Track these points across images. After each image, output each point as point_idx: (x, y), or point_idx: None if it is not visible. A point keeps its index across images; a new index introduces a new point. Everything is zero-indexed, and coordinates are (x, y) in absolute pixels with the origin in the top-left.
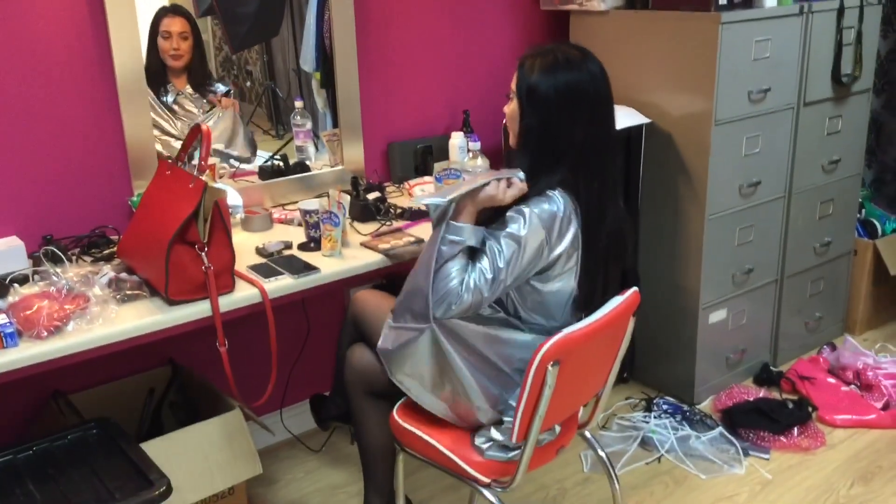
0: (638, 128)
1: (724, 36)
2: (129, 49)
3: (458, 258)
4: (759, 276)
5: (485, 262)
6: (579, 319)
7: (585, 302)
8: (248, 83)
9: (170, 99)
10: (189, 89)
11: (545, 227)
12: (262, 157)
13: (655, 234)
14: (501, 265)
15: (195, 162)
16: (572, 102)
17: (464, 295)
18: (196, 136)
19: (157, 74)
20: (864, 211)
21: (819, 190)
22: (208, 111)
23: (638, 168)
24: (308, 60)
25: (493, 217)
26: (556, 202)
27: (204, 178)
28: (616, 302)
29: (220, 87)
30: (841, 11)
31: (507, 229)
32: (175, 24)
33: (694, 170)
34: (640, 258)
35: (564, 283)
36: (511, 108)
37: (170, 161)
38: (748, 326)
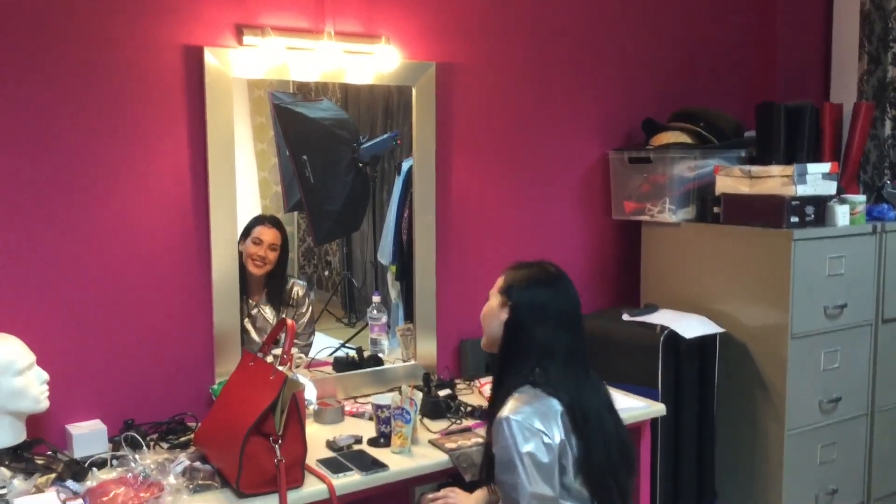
0: (712, 337)
1: (796, 252)
2: (228, 249)
3: None
4: (844, 500)
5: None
6: None
7: None
8: (327, 272)
9: (249, 309)
10: (264, 299)
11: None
12: (332, 345)
13: (732, 448)
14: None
15: (277, 351)
16: (542, 312)
17: None
18: (281, 329)
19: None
20: None
21: None
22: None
23: (713, 377)
24: (386, 254)
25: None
26: (528, 392)
27: (284, 369)
28: None
29: (300, 283)
30: None
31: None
32: (268, 235)
33: (771, 383)
34: (717, 472)
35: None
36: (489, 306)
37: (253, 353)
38: None
